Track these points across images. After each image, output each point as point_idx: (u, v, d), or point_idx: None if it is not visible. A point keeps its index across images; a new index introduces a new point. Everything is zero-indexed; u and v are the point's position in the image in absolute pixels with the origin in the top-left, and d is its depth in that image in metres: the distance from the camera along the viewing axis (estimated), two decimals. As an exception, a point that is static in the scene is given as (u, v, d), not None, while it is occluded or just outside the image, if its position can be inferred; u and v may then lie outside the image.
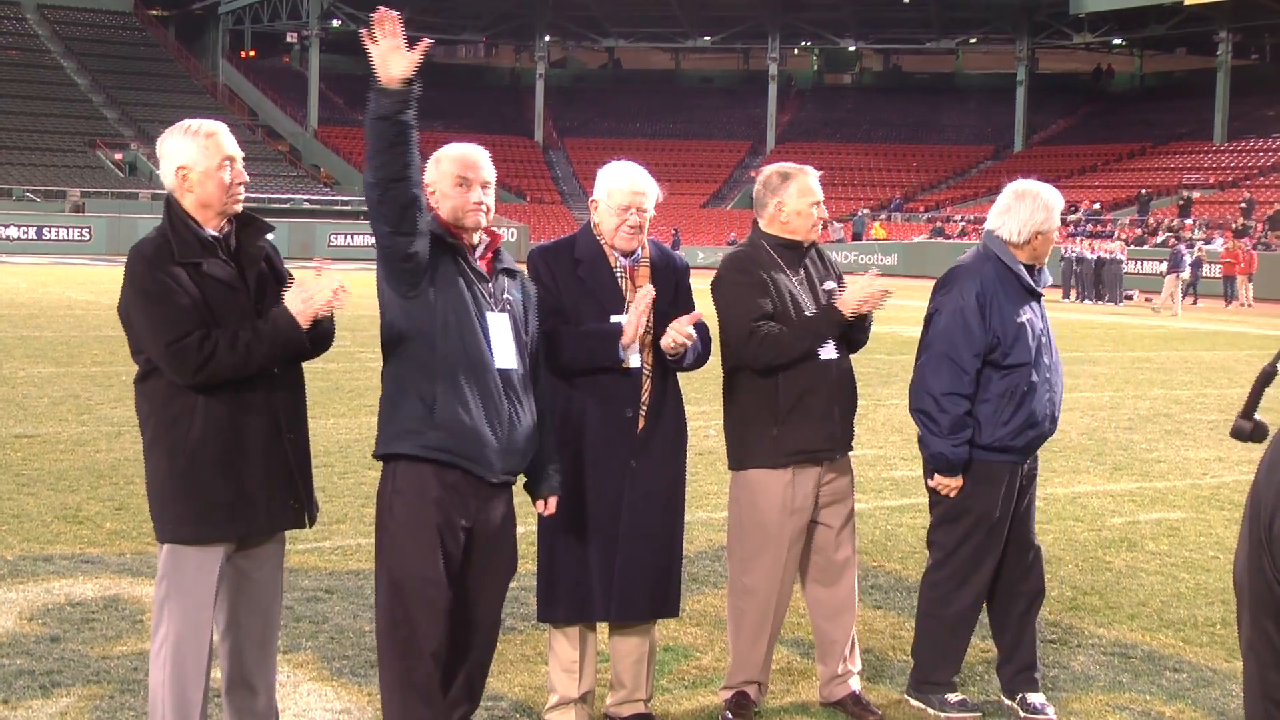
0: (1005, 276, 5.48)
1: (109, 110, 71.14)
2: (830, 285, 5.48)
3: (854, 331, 5.44)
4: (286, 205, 60.64)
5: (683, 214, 69.50)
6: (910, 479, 10.60)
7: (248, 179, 4.50)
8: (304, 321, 4.31)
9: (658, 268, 5.25)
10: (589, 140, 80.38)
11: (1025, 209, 5.50)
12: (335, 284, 4.35)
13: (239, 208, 4.46)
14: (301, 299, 4.32)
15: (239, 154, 4.46)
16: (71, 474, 9.92)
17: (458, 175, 4.68)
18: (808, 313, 5.34)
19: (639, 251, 5.22)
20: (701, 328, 5.22)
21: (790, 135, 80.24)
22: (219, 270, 4.34)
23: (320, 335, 4.45)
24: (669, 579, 5.31)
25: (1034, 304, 5.53)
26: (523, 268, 5.06)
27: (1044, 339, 5.52)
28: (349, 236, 55.70)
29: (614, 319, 5.08)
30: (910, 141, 78.69)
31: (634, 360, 5.10)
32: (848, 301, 5.30)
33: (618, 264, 5.17)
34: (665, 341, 5.07)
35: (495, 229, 4.81)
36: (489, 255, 4.77)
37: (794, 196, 5.43)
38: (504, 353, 4.63)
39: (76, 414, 12.85)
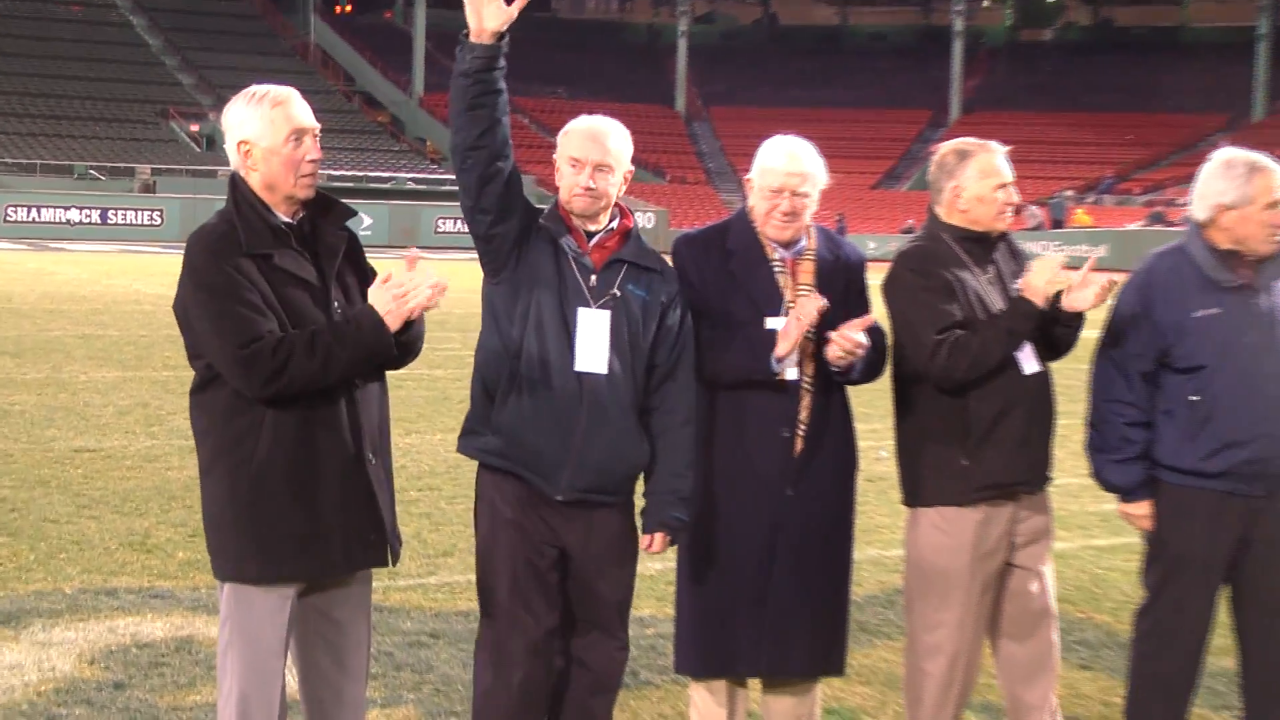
0: (1183, 265, 5.36)
1: (184, 75, 72.88)
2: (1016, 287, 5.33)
3: (1057, 328, 5.29)
4: (387, 185, 61.62)
5: (850, 197, 69.28)
6: (1123, 514, 10.38)
7: (320, 156, 4.50)
8: (393, 323, 4.31)
9: (824, 262, 5.22)
10: (739, 110, 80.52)
11: (1209, 180, 5.35)
12: (432, 279, 4.35)
13: (310, 191, 4.47)
14: (392, 295, 4.32)
15: (313, 126, 4.45)
16: (139, 495, 10.12)
17: (571, 155, 4.83)
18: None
19: (802, 242, 5.21)
20: (876, 332, 5.18)
21: (978, 103, 79.62)
22: (292, 263, 4.37)
23: (409, 340, 4.46)
24: (833, 629, 5.28)
25: (1229, 298, 5.28)
26: (668, 260, 5.09)
27: (1258, 340, 5.26)
28: (459, 222, 56.04)
29: (769, 323, 5.06)
30: (1124, 110, 77.55)
31: (791, 372, 5.08)
32: (1032, 284, 5.17)
33: (775, 256, 5.17)
34: (831, 351, 5.03)
35: (628, 213, 4.91)
36: (612, 243, 4.84)
37: (974, 179, 5.32)
38: (592, 354, 4.71)
39: (145, 425, 13.13)
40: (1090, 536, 9.80)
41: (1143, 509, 5.41)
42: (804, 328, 4.99)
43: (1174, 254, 5.41)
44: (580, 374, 4.68)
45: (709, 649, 5.19)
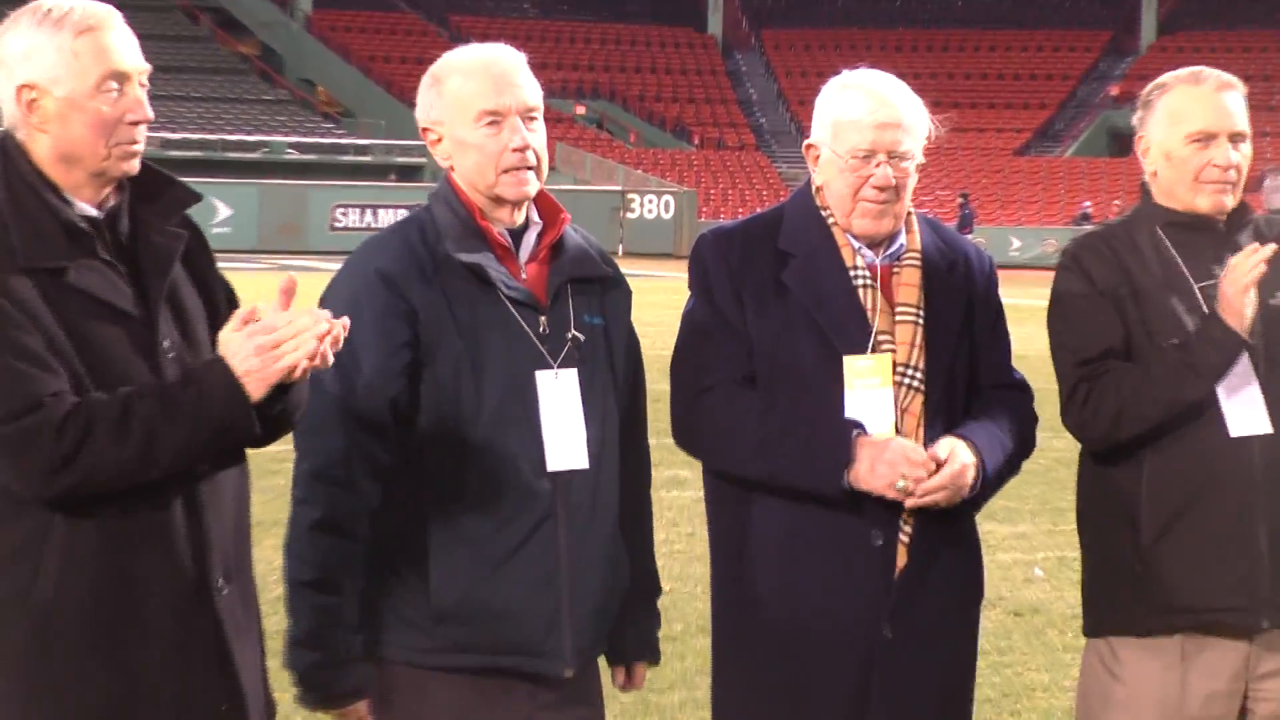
0: None
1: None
2: None
3: None
4: (256, 154, 61.73)
5: (981, 169, 69.51)
6: None
7: (152, 116, 4.40)
8: (256, 389, 4.14)
9: (935, 272, 5.20)
10: (805, 33, 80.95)
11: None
12: (319, 323, 4.13)
13: (135, 164, 4.39)
14: (256, 346, 4.15)
15: (141, 67, 4.39)
16: None
17: (483, 108, 4.73)
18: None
19: (900, 239, 5.20)
20: (1015, 397, 5.23)
21: (1184, 17, 79.94)
22: (97, 281, 4.27)
23: (282, 413, 4.29)
24: None
25: None
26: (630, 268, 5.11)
27: None
28: (367, 212, 56.46)
29: (852, 405, 5.04)
30: None
31: (881, 432, 5.06)
32: (1228, 296, 5.10)
33: (858, 263, 5.16)
34: (899, 490, 4.93)
35: (555, 201, 4.88)
36: (545, 255, 4.84)
37: (1161, 126, 5.35)
38: (565, 443, 4.75)
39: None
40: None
41: None
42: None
43: None
44: (557, 475, 4.71)
45: None
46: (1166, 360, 5.11)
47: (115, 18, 4.30)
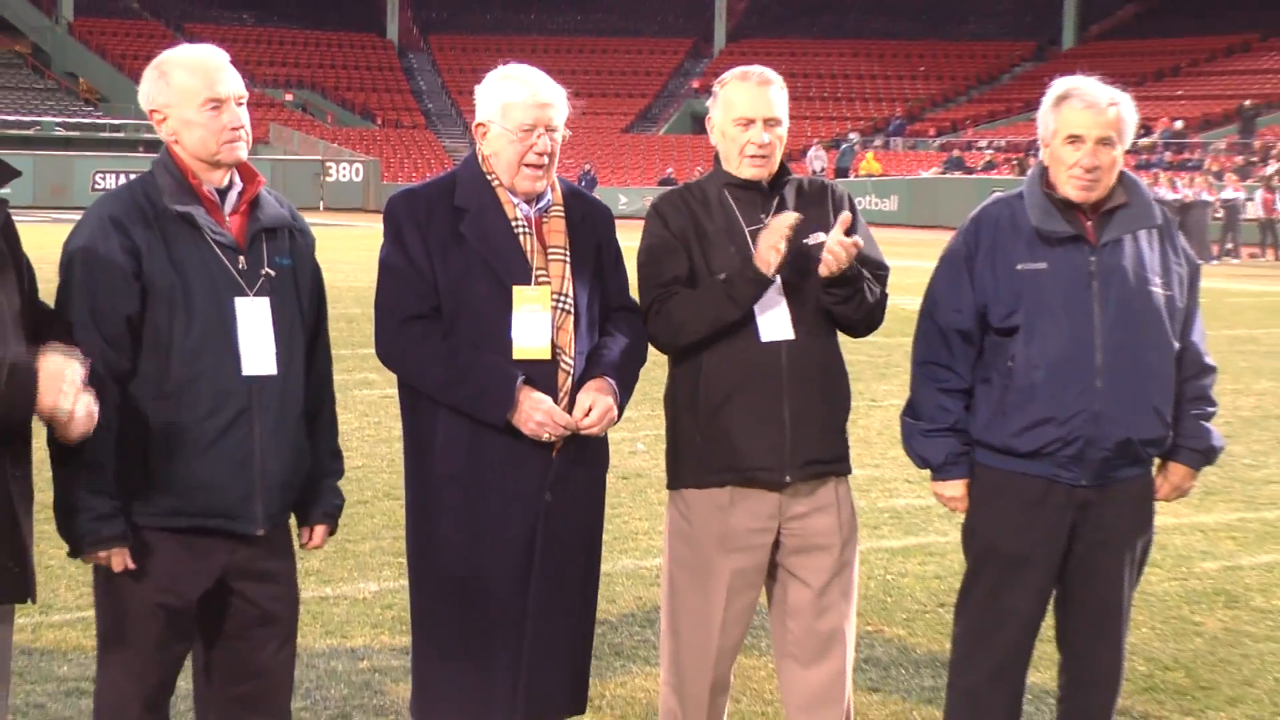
0: (1017, 212, 5.45)
1: None
2: (818, 238, 5.37)
3: (824, 296, 5.37)
4: (30, 131, 60.14)
5: (598, 144, 69.58)
6: (918, 508, 10.70)
7: None
8: (46, 400, 4.15)
9: (574, 219, 5.24)
10: (463, 38, 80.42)
11: (1041, 113, 5.50)
12: (84, 404, 4.21)
13: None
14: (69, 381, 4.17)
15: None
16: None
17: (207, 97, 4.73)
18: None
19: (548, 195, 5.21)
20: (632, 318, 5.34)
21: (747, 29, 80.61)
22: None
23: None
24: (585, 659, 5.37)
25: (1058, 252, 5.37)
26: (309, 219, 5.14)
27: (1086, 302, 5.34)
28: (121, 176, 55.13)
29: (519, 346, 5.03)
30: (918, 37, 79.14)
31: (540, 346, 5.09)
32: (761, 246, 5.26)
33: (518, 215, 5.15)
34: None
35: (251, 168, 4.90)
36: (244, 209, 4.83)
37: (720, 111, 5.47)
38: (258, 354, 4.73)
39: None
40: (880, 537, 10.02)
41: (954, 489, 5.53)
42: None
43: (1009, 200, 5.53)
44: (251, 379, 4.71)
45: (460, 694, 5.17)
46: (714, 290, 5.27)
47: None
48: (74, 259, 4.65)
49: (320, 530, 5.10)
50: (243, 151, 4.79)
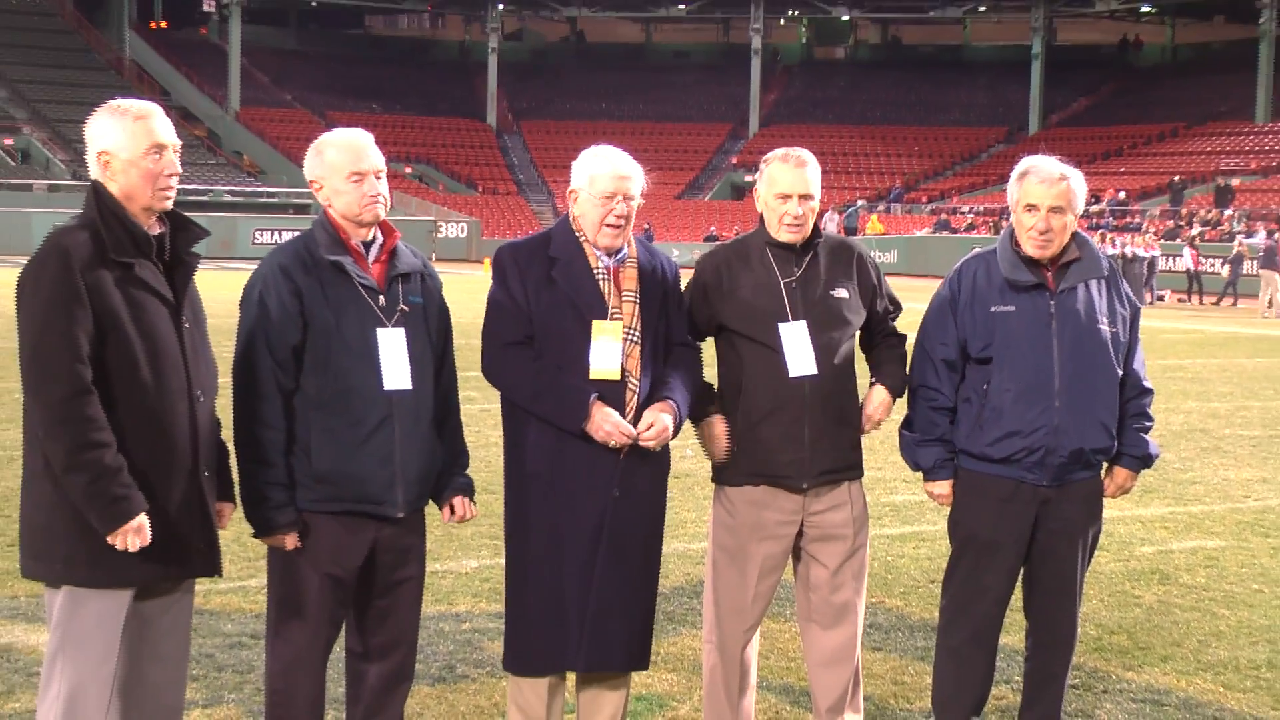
0: (991, 266, 5.51)
1: (-2, 89, 70.87)
2: (841, 294, 5.44)
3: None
4: (205, 198, 60.48)
5: (655, 206, 69.52)
6: (913, 503, 10.66)
7: (180, 171, 4.44)
8: None
9: (645, 270, 5.28)
10: (547, 123, 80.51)
11: (1009, 186, 5.56)
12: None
13: (168, 203, 4.42)
14: None
15: (173, 142, 4.43)
16: (-42, 505, 9.82)
17: (352, 170, 4.83)
18: (777, 313, 5.34)
19: (624, 250, 5.25)
20: (690, 351, 5.39)
21: (776, 117, 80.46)
22: (151, 276, 4.33)
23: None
24: (646, 624, 5.37)
25: (1024, 297, 5.41)
26: (427, 263, 5.15)
27: (1046, 338, 5.38)
28: (275, 233, 55.60)
29: (594, 369, 5.07)
30: (911, 123, 78.92)
31: (611, 369, 5.11)
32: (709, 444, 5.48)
33: (599, 265, 5.19)
34: (645, 438, 5.11)
35: (390, 225, 4.98)
36: (384, 258, 4.91)
37: (764, 184, 5.49)
38: (396, 373, 4.79)
39: (-37, 436, 12.73)
40: (882, 526, 9.96)
41: (942, 488, 5.62)
42: (626, 437, 5.06)
43: (985, 255, 5.60)
44: (391, 393, 4.78)
45: (541, 647, 5.21)
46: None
47: (158, 111, 4.41)
48: (252, 299, 4.78)
49: (460, 500, 5.11)
50: (381, 212, 4.88)
